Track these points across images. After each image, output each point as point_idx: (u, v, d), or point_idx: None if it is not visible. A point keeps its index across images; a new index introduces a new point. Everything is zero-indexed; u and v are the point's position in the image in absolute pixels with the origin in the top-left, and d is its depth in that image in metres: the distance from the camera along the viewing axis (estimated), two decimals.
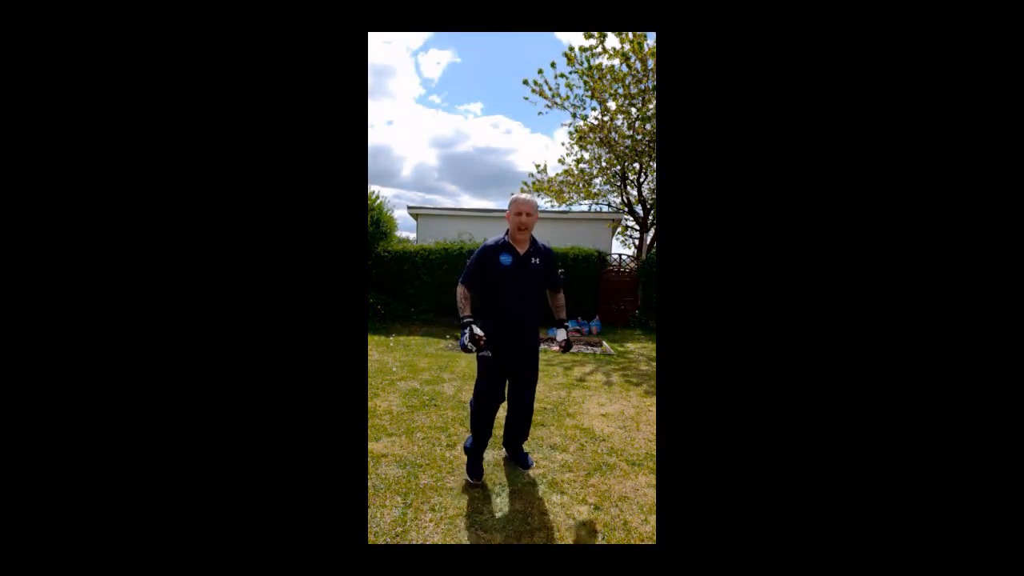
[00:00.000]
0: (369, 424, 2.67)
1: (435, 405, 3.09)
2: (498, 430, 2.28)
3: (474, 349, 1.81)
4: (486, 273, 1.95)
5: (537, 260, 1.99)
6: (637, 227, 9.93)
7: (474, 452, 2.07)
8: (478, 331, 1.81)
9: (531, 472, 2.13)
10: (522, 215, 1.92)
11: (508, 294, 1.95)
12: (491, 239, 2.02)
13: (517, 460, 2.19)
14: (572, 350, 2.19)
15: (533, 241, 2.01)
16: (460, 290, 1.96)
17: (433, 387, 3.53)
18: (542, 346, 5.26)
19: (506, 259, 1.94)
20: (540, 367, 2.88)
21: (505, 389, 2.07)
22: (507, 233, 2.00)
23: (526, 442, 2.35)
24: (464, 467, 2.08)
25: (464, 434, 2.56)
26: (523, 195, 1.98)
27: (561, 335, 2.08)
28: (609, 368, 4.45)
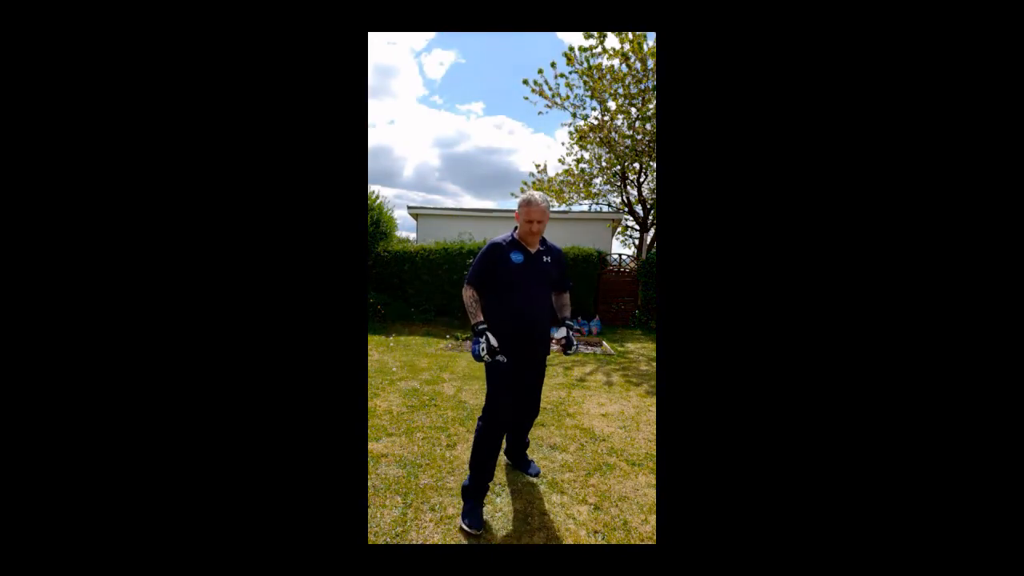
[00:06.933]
0: (369, 424, 2.67)
1: (435, 405, 3.09)
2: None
3: (489, 359, 1.71)
4: (495, 272, 1.81)
5: (548, 259, 1.90)
6: (637, 227, 9.93)
7: (476, 494, 1.77)
8: (494, 341, 1.69)
9: None
10: (533, 223, 1.80)
11: (521, 294, 1.82)
12: (499, 236, 1.89)
13: (522, 468, 2.15)
14: (573, 350, 2.02)
15: (543, 240, 1.91)
16: (468, 293, 1.82)
17: (433, 387, 3.53)
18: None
19: (517, 257, 1.82)
20: None
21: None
22: (515, 231, 1.88)
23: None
24: (465, 467, 2.07)
25: (464, 434, 2.56)
26: (536, 196, 1.81)
27: (561, 332, 1.96)
28: (609, 368, 4.45)
